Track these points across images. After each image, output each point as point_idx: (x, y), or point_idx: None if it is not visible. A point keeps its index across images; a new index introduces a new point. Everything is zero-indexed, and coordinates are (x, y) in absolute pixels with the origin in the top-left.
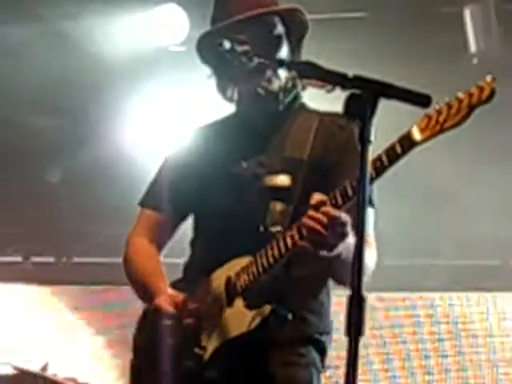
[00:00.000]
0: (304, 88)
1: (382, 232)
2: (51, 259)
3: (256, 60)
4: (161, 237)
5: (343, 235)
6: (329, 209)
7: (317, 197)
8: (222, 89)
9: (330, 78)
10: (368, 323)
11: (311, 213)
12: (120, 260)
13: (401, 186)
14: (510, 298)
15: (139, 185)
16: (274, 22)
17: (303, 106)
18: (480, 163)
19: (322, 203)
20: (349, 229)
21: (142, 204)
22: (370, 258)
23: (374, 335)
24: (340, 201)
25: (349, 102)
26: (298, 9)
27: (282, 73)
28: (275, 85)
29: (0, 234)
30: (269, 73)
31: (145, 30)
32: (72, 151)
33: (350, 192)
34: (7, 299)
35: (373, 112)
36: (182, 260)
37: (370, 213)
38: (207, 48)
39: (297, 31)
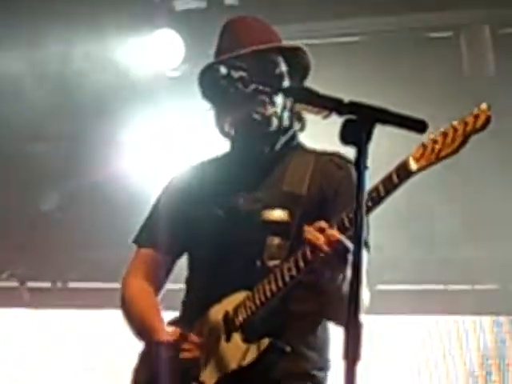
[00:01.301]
0: (302, 128)
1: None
2: (47, 284)
3: (252, 86)
4: (158, 275)
5: (345, 260)
6: (333, 231)
7: (318, 224)
8: (220, 124)
9: (325, 104)
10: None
11: (313, 231)
12: (115, 285)
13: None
14: None
15: (135, 210)
16: (276, 59)
17: (300, 145)
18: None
19: (321, 229)
20: (350, 257)
21: (138, 243)
22: (364, 297)
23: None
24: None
25: (344, 128)
26: (301, 48)
27: (278, 99)
28: (271, 111)
29: None
30: (264, 99)
31: (140, 56)
32: (68, 177)
33: (346, 223)
34: (3, 324)
35: (369, 138)
36: (176, 286)
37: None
38: (206, 81)
39: (299, 71)
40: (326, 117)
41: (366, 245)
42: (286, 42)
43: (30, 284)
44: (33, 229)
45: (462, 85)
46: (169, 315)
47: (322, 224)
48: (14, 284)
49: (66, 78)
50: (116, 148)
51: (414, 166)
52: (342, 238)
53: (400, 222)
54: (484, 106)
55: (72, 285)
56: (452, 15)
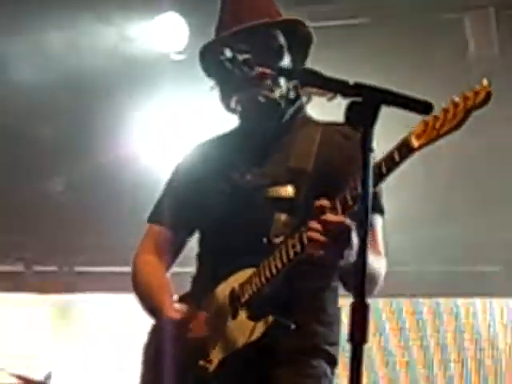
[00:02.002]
0: (308, 100)
1: None
2: (53, 268)
3: (257, 69)
4: (169, 252)
5: (348, 240)
6: (328, 216)
7: (319, 202)
8: (225, 100)
9: (330, 86)
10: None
11: (312, 225)
12: (123, 268)
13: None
14: None
15: (142, 194)
16: (274, 33)
17: (306, 118)
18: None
19: (322, 209)
20: (353, 234)
21: (150, 220)
22: (382, 266)
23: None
24: (340, 209)
25: (350, 110)
26: (298, 20)
27: (283, 81)
28: (276, 93)
29: (1, 244)
30: (270, 81)
31: (145, 39)
32: (75, 160)
33: (349, 201)
34: (9, 309)
35: (374, 119)
36: (187, 269)
37: (378, 220)
38: (209, 58)
39: (299, 43)
40: (331, 99)
41: (381, 211)
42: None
43: (37, 268)
44: (39, 213)
45: (467, 67)
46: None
47: (324, 203)
48: (20, 268)
49: (71, 62)
50: (123, 131)
51: (415, 142)
52: (340, 219)
53: None
54: (485, 81)
55: (78, 269)
56: None
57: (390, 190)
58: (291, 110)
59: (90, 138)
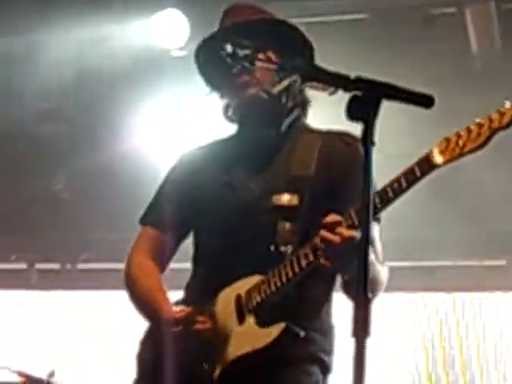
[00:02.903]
0: (306, 108)
1: None
2: (56, 266)
3: (258, 63)
4: (162, 255)
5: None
6: (343, 230)
7: (331, 217)
8: (225, 110)
9: (332, 80)
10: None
11: (325, 234)
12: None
13: None
14: None
15: (144, 191)
16: (263, 32)
17: (306, 126)
18: None
19: (337, 223)
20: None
21: (143, 222)
22: (383, 273)
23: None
24: (356, 220)
25: (351, 104)
26: (285, 22)
27: (284, 76)
28: (277, 88)
29: (4, 242)
30: (270, 77)
31: (146, 36)
32: (76, 158)
33: (354, 218)
34: (12, 306)
35: (375, 114)
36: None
37: (375, 228)
38: (208, 58)
39: (293, 46)
40: (332, 93)
41: (377, 219)
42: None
43: (39, 266)
44: (41, 210)
45: (468, 60)
46: (173, 295)
47: (336, 218)
48: (23, 266)
49: (72, 60)
50: (124, 128)
51: (438, 159)
52: (353, 233)
53: None
54: (508, 104)
55: (81, 266)
56: None
57: None
58: (290, 119)
59: (92, 135)
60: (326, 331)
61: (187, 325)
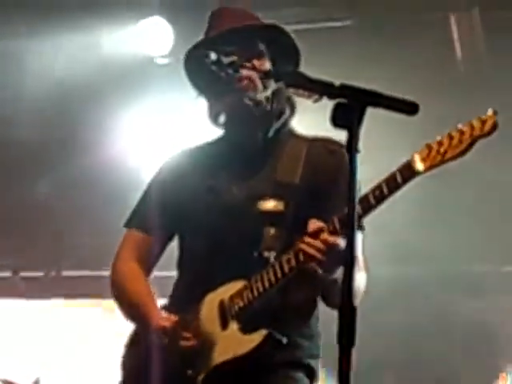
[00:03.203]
0: (292, 114)
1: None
2: (40, 273)
3: (242, 71)
4: (148, 258)
5: (340, 261)
6: (326, 236)
7: (314, 224)
8: (211, 114)
9: (316, 88)
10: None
11: (308, 239)
12: (109, 272)
13: None
14: None
15: (128, 197)
16: (254, 39)
17: (292, 133)
18: None
19: (320, 230)
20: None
21: (129, 225)
22: (361, 280)
23: None
24: (338, 227)
25: (336, 112)
26: (277, 26)
27: (269, 84)
28: (262, 95)
29: None
30: (255, 83)
31: (130, 43)
32: (60, 164)
33: (337, 225)
34: None
35: (360, 121)
36: (166, 273)
37: (358, 236)
38: (194, 64)
39: (282, 52)
40: (316, 100)
41: (361, 226)
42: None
43: (23, 274)
44: (25, 217)
45: (453, 67)
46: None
47: (319, 225)
48: (7, 274)
49: (57, 67)
50: (107, 135)
51: (419, 166)
52: (336, 240)
53: None
54: (490, 111)
55: (66, 273)
56: None
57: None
58: (277, 125)
59: (76, 142)
60: (312, 336)
61: (173, 339)
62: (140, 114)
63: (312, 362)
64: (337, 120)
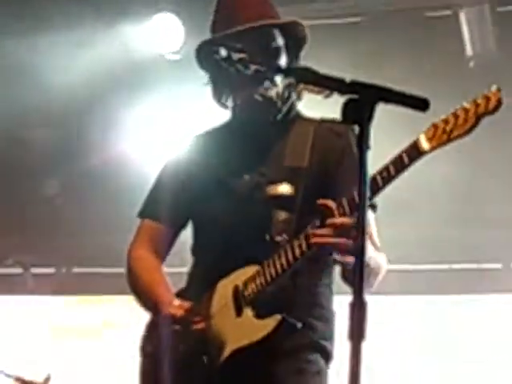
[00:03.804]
0: (300, 97)
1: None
2: (51, 270)
3: (252, 67)
4: (162, 247)
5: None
6: (334, 220)
7: (323, 202)
8: (218, 95)
9: (327, 84)
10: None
11: (317, 231)
12: (120, 269)
13: None
14: None
15: (137, 194)
16: (273, 33)
17: (299, 115)
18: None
19: (329, 213)
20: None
21: (142, 215)
22: (383, 261)
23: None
24: (347, 209)
25: (346, 108)
26: (299, 22)
27: (279, 80)
28: (273, 92)
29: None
30: (266, 80)
31: (140, 39)
32: (69, 162)
33: (357, 199)
34: (7, 311)
35: (371, 117)
36: (182, 269)
37: (371, 216)
38: (205, 56)
39: (295, 44)
40: (327, 96)
41: (373, 206)
42: (283, 17)
43: (34, 270)
44: (36, 215)
45: (464, 63)
46: None
47: (329, 203)
48: (19, 270)
49: (65, 64)
50: (118, 132)
51: (425, 146)
52: (345, 220)
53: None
54: (494, 88)
55: (76, 270)
56: None
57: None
58: (284, 109)
59: (86, 140)
60: (327, 318)
61: (185, 325)
62: (150, 111)
63: (327, 344)
64: (348, 116)
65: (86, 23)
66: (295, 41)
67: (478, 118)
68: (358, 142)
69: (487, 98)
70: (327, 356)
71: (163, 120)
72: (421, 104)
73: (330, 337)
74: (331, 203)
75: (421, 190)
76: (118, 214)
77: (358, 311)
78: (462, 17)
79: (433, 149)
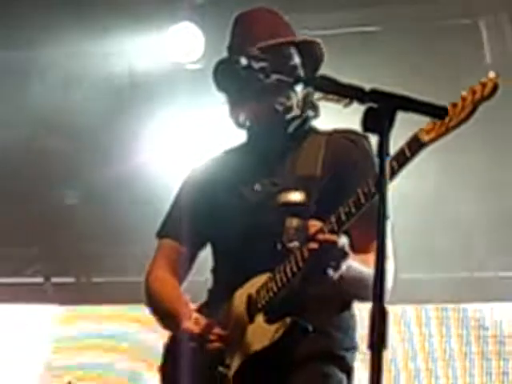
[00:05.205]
0: (317, 114)
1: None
2: (71, 279)
3: (273, 76)
4: (181, 268)
5: (342, 257)
6: (321, 236)
7: (313, 223)
8: (235, 114)
9: (346, 92)
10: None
11: (310, 245)
12: (139, 279)
13: None
14: None
15: (157, 205)
16: (290, 52)
17: (312, 129)
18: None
19: (320, 231)
20: (347, 249)
21: (161, 235)
22: (389, 270)
23: None
24: (335, 227)
25: (366, 116)
26: (316, 41)
27: (299, 89)
28: (293, 101)
29: (20, 256)
30: (286, 89)
31: (160, 49)
32: (90, 172)
33: (343, 217)
34: (29, 320)
35: (391, 125)
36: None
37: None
38: (224, 70)
39: (312, 62)
40: (346, 105)
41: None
42: (301, 36)
43: (55, 279)
44: (56, 224)
45: (483, 72)
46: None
47: (315, 224)
48: (39, 280)
49: (87, 73)
50: (136, 143)
51: (425, 137)
52: (333, 238)
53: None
54: (492, 73)
55: (96, 279)
56: (470, 2)
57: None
58: (297, 122)
59: (107, 150)
60: (347, 329)
61: (201, 343)
62: (170, 121)
63: (347, 354)
64: (367, 124)
65: (107, 32)
66: (312, 59)
67: (475, 106)
68: (378, 151)
69: (483, 85)
70: (346, 367)
71: (184, 130)
72: (440, 112)
73: (349, 347)
74: (319, 224)
75: None
76: (139, 223)
77: (379, 320)
78: (482, 26)
79: (433, 140)
